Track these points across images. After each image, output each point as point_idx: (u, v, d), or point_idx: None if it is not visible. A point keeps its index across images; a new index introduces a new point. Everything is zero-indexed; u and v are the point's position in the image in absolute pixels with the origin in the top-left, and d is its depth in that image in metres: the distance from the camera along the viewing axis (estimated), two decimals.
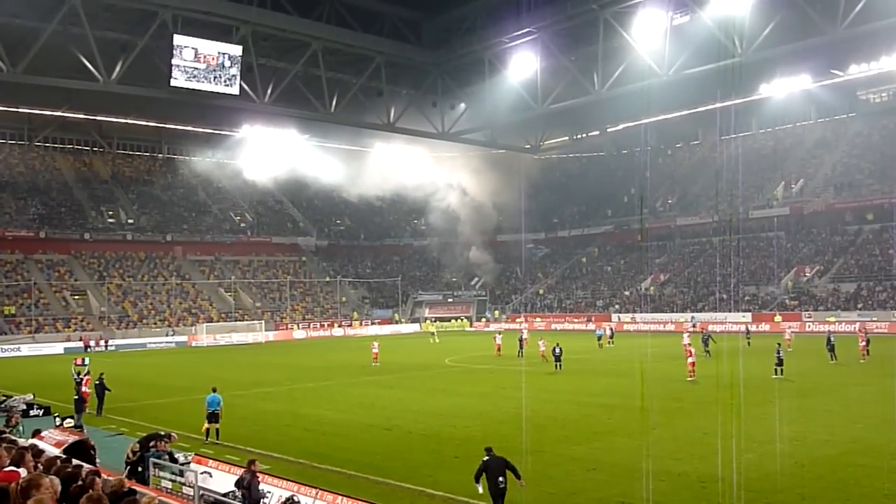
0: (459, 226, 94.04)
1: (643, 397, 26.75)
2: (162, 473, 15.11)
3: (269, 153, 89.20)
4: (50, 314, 70.76)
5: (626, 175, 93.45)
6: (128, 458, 15.66)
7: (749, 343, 46.99)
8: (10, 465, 8.05)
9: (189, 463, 15.97)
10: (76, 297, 74.76)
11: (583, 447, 19.22)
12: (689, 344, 38.47)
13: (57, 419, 22.76)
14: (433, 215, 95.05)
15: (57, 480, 6.90)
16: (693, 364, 31.90)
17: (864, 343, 37.58)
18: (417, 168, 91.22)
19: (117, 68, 54.30)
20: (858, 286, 64.46)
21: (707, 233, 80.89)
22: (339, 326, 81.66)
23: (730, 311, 66.48)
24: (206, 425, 21.57)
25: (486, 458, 13.36)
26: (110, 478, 10.42)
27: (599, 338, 52.22)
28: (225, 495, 13.75)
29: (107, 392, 27.40)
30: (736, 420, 20.72)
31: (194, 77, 55.82)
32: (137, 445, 15.88)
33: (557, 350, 37.38)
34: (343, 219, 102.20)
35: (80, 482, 8.01)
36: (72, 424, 21.66)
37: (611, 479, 16.11)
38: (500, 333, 53.17)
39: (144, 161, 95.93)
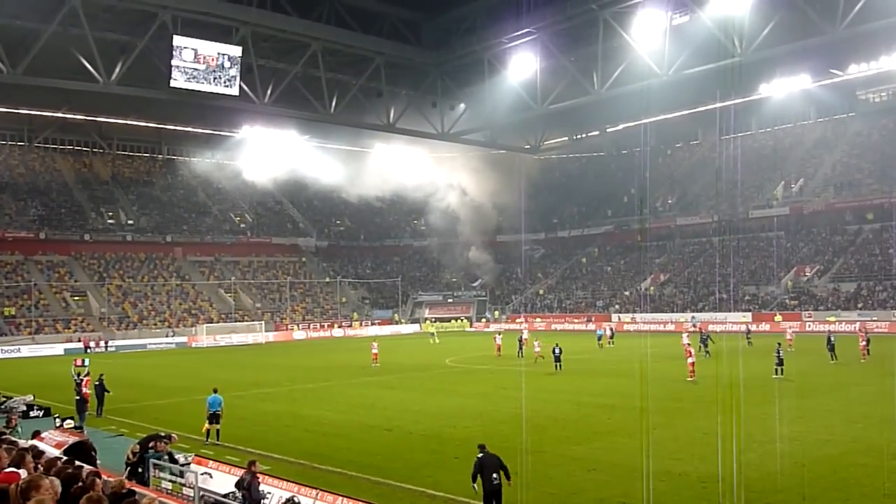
0: (459, 226, 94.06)
1: (643, 397, 26.73)
2: (162, 474, 15.11)
3: (268, 154, 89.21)
4: (50, 315, 70.77)
5: (625, 175, 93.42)
6: (128, 459, 15.66)
7: (750, 343, 47.02)
8: (10, 466, 8.05)
9: (189, 464, 15.98)
10: (76, 298, 74.77)
11: (583, 447, 19.23)
12: (689, 344, 38.54)
13: (57, 420, 22.76)
14: (433, 216, 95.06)
15: (57, 482, 6.90)
16: (693, 364, 31.91)
17: (864, 343, 37.57)
18: (417, 168, 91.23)
19: (117, 69, 54.28)
20: (858, 286, 64.46)
21: (707, 233, 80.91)
22: (339, 327, 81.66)
23: (730, 311, 66.50)
24: (207, 426, 21.58)
25: (480, 455, 13.34)
26: (110, 479, 10.42)
27: (599, 338, 52.23)
28: (225, 496, 13.75)
29: (106, 394, 27.38)
30: (736, 420, 20.72)
31: (194, 78, 55.81)
32: (138, 446, 15.89)
33: (557, 350, 37.38)
34: (343, 219, 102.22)
35: (80, 483, 8.01)
36: (72, 425, 21.65)
37: (611, 479, 16.11)
38: (500, 334, 53.17)
39: (144, 162, 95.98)
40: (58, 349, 62.97)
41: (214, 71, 56.48)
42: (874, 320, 57.32)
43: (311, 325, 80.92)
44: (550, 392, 29.74)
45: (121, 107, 74.74)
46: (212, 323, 74.94)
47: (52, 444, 15.44)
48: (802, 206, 75.60)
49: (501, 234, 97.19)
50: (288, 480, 14.09)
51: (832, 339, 37.83)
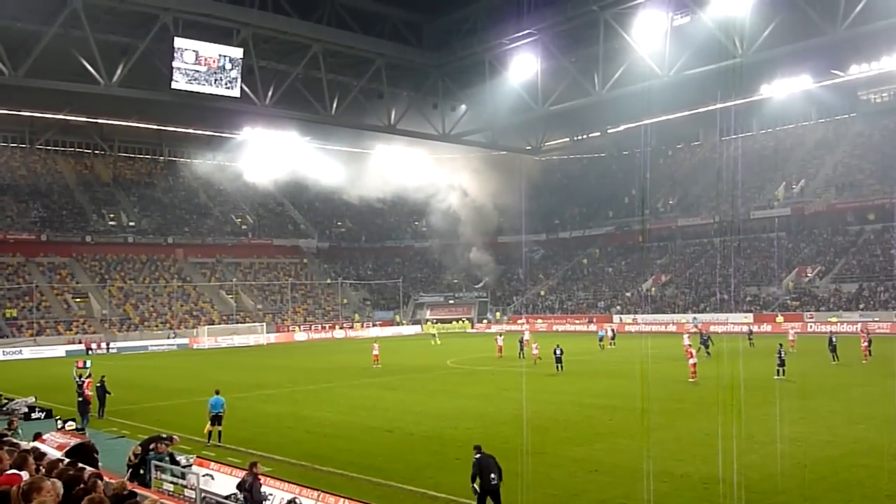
0: (460, 227, 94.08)
1: (645, 398, 26.71)
2: (163, 476, 15.13)
3: (269, 155, 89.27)
4: (51, 317, 70.80)
5: (626, 176, 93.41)
6: (129, 460, 15.67)
7: (752, 344, 46.99)
8: (11, 468, 8.04)
9: (191, 465, 15.99)
10: (77, 299, 74.82)
11: (585, 448, 19.21)
12: (690, 345, 38.55)
13: (59, 422, 22.79)
14: (434, 217, 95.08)
15: (59, 483, 6.89)
16: (695, 365, 31.88)
17: (866, 343, 37.53)
18: (418, 170, 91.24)
19: (118, 71, 54.35)
20: (860, 286, 64.40)
21: (708, 233, 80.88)
22: (341, 328, 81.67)
23: (731, 312, 66.47)
24: (209, 427, 21.57)
25: (477, 456, 13.41)
26: (112, 480, 10.43)
27: (601, 339, 52.21)
28: (227, 498, 13.76)
29: (108, 395, 27.38)
30: (738, 421, 20.70)
31: (195, 80, 55.87)
32: (139, 448, 15.90)
33: (558, 351, 37.36)
34: (344, 221, 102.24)
35: (82, 485, 8.01)
36: (74, 427, 21.67)
37: (613, 480, 16.10)
38: (501, 335, 53.16)
39: (146, 164, 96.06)
40: (59, 351, 62.98)
41: (215, 73, 56.55)
42: (876, 321, 57.25)
43: (313, 327, 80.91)
44: (552, 393, 29.73)
45: (122, 108, 74.80)
46: (213, 324, 74.95)
47: (53, 445, 15.44)
48: (804, 207, 75.56)
49: (502, 236, 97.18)
50: (289, 482, 14.09)
51: (834, 339, 37.78)
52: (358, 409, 27.58)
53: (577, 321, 77.28)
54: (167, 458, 15.65)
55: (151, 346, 68.04)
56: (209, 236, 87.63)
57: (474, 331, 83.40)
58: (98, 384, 27.22)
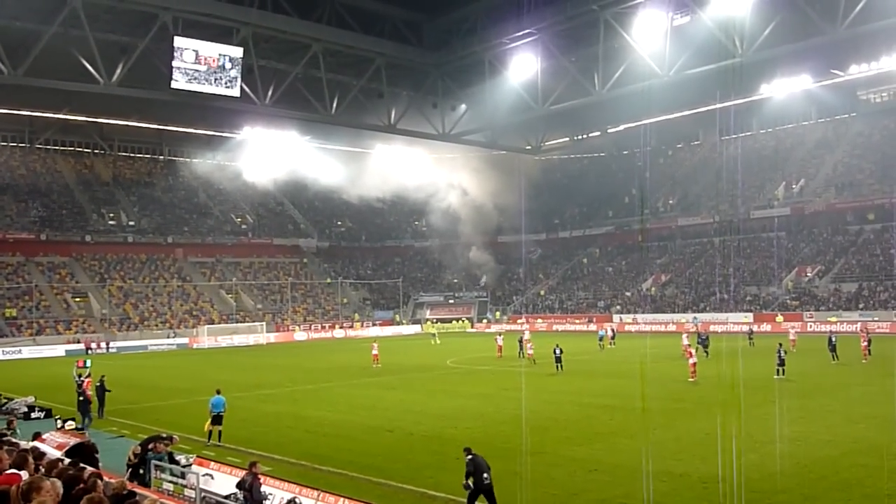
0: (460, 227, 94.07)
1: (645, 398, 26.73)
2: (163, 475, 15.12)
3: (269, 155, 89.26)
4: (51, 316, 70.80)
5: (626, 176, 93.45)
6: (129, 460, 15.67)
7: (752, 343, 47.02)
8: (11, 467, 8.04)
9: (190, 465, 15.99)
10: (77, 299, 74.82)
11: (584, 448, 19.21)
12: (689, 345, 38.59)
13: (58, 421, 22.78)
14: (434, 216, 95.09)
15: (58, 483, 6.89)
16: (694, 365, 31.88)
17: (865, 343, 37.54)
18: (418, 169, 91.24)
19: (118, 70, 54.31)
20: (860, 286, 64.41)
21: (708, 233, 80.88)
22: (341, 328, 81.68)
23: (731, 312, 66.48)
24: (210, 426, 21.54)
25: (469, 457, 13.58)
26: (112, 480, 10.42)
27: (601, 338, 52.20)
28: (226, 497, 13.76)
29: (107, 393, 27.36)
30: (738, 421, 20.70)
31: (195, 79, 55.83)
32: (139, 448, 15.90)
33: (558, 351, 37.35)
34: (344, 220, 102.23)
35: (81, 485, 8.01)
36: (73, 427, 21.66)
37: (613, 479, 16.10)
38: (500, 335, 53.15)
39: (145, 163, 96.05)
40: (59, 350, 62.98)
41: (215, 72, 56.52)
42: (875, 320, 57.29)
43: (313, 326, 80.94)
44: (552, 393, 29.73)
45: (122, 108, 74.75)
46: (213, 324, 74.95)
47: (53, 445, 15.44)
48: (803, 207, 75.57)
49: (502, 235, 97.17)
50: (289, 481, 14.09)
51: (833, 339, 37.79)
52: (358, 408, 27.58)
53: (577, 321, 77.29)
54: (166, 458, 15.65)
55: (151, 345, 68.05)
56: (209, 236, 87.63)
57: (474, 330, 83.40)
58: (98, 384, 27.20)
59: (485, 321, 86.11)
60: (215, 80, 56.66)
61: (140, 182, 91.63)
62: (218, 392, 22.32)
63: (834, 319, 59.98)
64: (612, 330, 56.20)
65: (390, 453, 19.48)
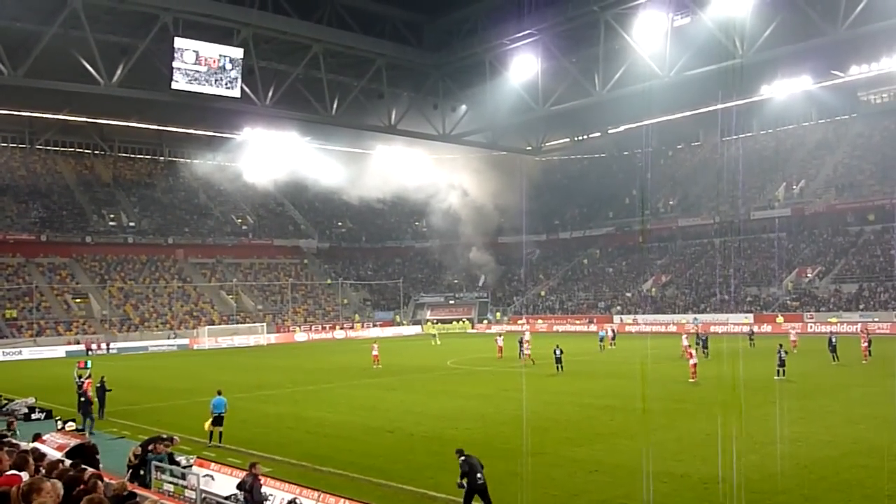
0: (460, 227, 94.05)
1: (645, 399, 26.72)
2: (164, 476, 15.13)
3: (270, 156, 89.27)
4: (51, 317, 70.80)
5: (627, 176, 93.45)
6: (130, 461, 15.67)
7: (752, 344, 47.03)
8: (11, 468, 8.04)
9: (191, 466, 15.99)
10: (78, 300, 74.82)
11: (585, 449, 19.21)
12: (688, 346, 38.58)
13: (58, 422, 22.78)
14: (434, 217, 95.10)
15: (59, 484, 6.89)
16: (695, 365, 31.87)
17: (865, 344, 37.52)
18: (418, 170, 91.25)
19: (118, 71, 54.33)
20: (860, 287, 64.40)
21: (708, 234, 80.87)
22: (341, 329, 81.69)
23: (731, 313, 66.47)
24: (210, 427, 21.53)
25: (462, 458, 13.67)
26: (112, 481, 10.42)
27: (601, 339, 52.18)
28: (227, 498, 13.76)
29: (108, 393, 27.32)
30: (738, 421, 20.70)
31: (195, 80, 55.85)
32: (139, 449, 15.90)
33: (558, 352, 37.33)
34: (344, 221, 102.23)
35: (82, 486, 8.01)
36: (73, 428, 21.66)
37: (613, 480, 16.10)
38: (500, 335, 53.12)
39: (146, 164, 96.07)
40: (59, 351, 62.98)
41: (216, 73, 56.54)
42: (876, 321, 57.27)
43: (313, 327, 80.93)
44: (552, 394, 29.72)
45: (122, 109, 74.77)
46: (213, 325, 74.95)
47: (53, 446, 15.44)
48: (804, 208, 75.56)
49: (503, 236, 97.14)
50: (290, 482, 14.10)
51: (834, 340, 37.76)
52: (358, 409, 27.58)
53: (578, 321, 77.29)
54: (166, 459, 15.65)
55: (151, 346, 68.05)
56: (209, 237, 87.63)
57: (474, 331, 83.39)
58: (98, 384, 27.19)
59: (485, 322, 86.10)
60: (216, 80, 56.69)
61: (140, 183, 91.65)
62: (219, 393, 22.33)
63: (834, 320, 59.97)
64: (613, 331, 56.21)
65: (391, 454, 19.48)
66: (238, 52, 57.28)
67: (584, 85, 60.39)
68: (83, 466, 10.45)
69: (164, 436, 17.32)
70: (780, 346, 32.18)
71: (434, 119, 72.97)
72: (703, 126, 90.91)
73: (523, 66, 62.32)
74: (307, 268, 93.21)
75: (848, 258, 69.34)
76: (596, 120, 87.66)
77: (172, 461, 15.83)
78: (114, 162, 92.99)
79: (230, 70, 57.24)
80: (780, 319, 62.88)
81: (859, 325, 52.50)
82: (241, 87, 58.51)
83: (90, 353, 60.80)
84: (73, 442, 15.59)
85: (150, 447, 15.75)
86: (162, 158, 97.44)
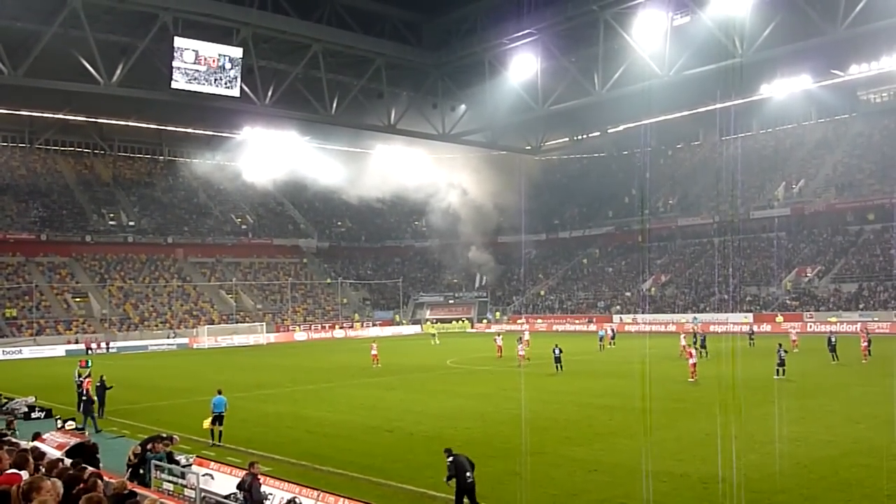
0: (460, 227, 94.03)
1: (645, 398, 26.72)
2: (163, 475, 15.13)
3: (269, 155, 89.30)
4: (51, 316, 70.79)
5: (626, 176, 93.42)
6: (129, 460, 15.67)
7: (752, 344, 47.04)
8: (11, 467, 8.05)
9: (191, 465, 15.99)
10: (77, 299, 74.82)
11: (584, 448, 19.21)
12: (686, 346, 38.58)
13: (58, 421, 22.78)
14: (434, 216, 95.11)
15: (59, 483, 6.90)
16: (695, 365, 31.87)
17: (865, 343, 37.52)
18: (418, 169, 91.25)
19: (118, 71, 54.36)
20: (860, 286, 64.40)
21: (708, 233, 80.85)
22: (341, 328, 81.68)
23: (731, 312, 66.45)
24: (210, 426, 21.51)
25: (450, 459, 13.73)
26: (112, 480, 10.43)
27: (601, 339, 52.17)
28: (226, 497, 13.76)
29: (108, 391, 27.28)
30: (738, 421, 20.71)
31: (195, 79, 55.87)
32: (139, 448, 15.90)
33: (558, 351, 37.32)
34: (344, 220, 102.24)
35: (82, 485, 8.02)
36: (73, 427, 21.65)
37: (612, 480, 16.10)
38: (500, 335, 53.10)
39: (145, 163, 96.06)
40: (59, 351, 62.98)
41: (215, 72, 56.55)
42: (875, 321, 57.27)
43: (313, 327, 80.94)
44: (551, 393, 29.73)
45: (122, 108, 74.83)
46: (213, 324, 74.94)
47: (53, 445, 15.44)
48: (803, 207, 75.54)
49: (502, 235, 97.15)
50: (289, 482, 14.09)
51: (833, 339, 37.77)
52: (358, 408, 27.58)
53: (577, 321, 77.29)
54: (165, 457, 15.66)
55: (151, 345, 68.04)
56: (209, 236, 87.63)
57: (474, 331, 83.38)
58: (98, 383, 27.17)
59: (485, 321, 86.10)
60: (215, 80, 56.71)
61: (140, 182, 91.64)
62: (219, 392, 22.33)
63: (834, 320, 59.98)
64: (612, 330, 56.20)
65: (390, 453, 19.49)
66: (237, 52, 57.30)
67: (584, 84, 60.42)
68: (83, 465, 10.46)
69: (164, 435, 17.32)
70: (780, 345, 32.18)
71: (433, 118, 72.99)
72: (703, 125, 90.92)
73: (523, 65, 62.34)
74: (307, 267, 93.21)
75: (847, 257, 69.34)
76: (595, 119, 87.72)
77: (172, 460, 15.82)
78: (113, 161, 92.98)
79: (230, 69, 57.27)
80: (779, 319, 62.89)
81: (859, 325, 52.53)
82: (241, 87, 58.55)
83: (90, 352, 60.84)
84: (73, 441, 15.59)
85: (149, 446, 15.75)
86: (161, 158, 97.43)
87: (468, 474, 13.43)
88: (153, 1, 52.52)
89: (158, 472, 15.20)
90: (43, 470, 8.71)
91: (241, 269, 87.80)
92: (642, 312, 74.14)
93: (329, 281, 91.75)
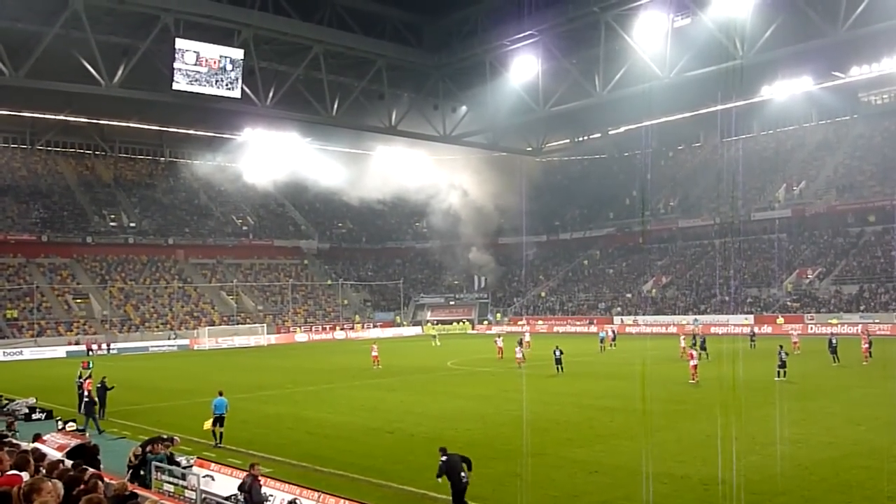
0: (461, 228, 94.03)
1: (645, 400, 26.72)
2: (164, 477, 15.13)
3: (270, 156, 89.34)
4: (52, 318, 70.81)
5: (627, 177, 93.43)
6: (130, 461, 15.67)
7: (754, 345, 47.03)
8: (12, 468, 8.05)
9: (191, 466, 16.00)
10: (78, 300, 74.83)
11: (585, 450, 19.20)
12: (685, 347, 38.55)
13: (59, 423, 22.78)
14: (434, 218, 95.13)
15: (59, 484, 6.90)
16: (695, 367, 31.85)
17: (866, 345, 37.49)
18: (418, 170, 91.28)
19: (119, 72, 54.38)
20: (860, 288, 64.36)
21: (709, 235, 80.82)
22: (341, 329, 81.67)
23: (732, 314, 66.43)
24: (211, 427, 21.49)
25: (443, 458, 13.84)
26: (113, 481, 10.43)
27: (602, 340, 52.15)
28: (227, 499, 13.76)
29: (109, 392, 27.26)
30: (738, 422, 20.69)
31: (196, 81, 55.90)
32: (140, 449, 15.90)
33: (558, 353, 37.29)
34: (345, 222, 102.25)
35: (82, 486, 8.01)
36: (73, 428, 21.66)
37: (613, 481, 16.09)
38: (500, 336, 53.07)
39: (146, 164, 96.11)
40: (60, 352, 63.00)
41: (216, 73, 56.58)
42: (876, 322, 57.22)
43: (313, 328, 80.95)
44: (552, 394, 29.72)
45: (123, 109, 74.84)
46: (213, 325, 74.95)
47: (53, 446, 15.44)
48: (804, 209, 75.52)
49: (503, 237, 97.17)
50: (290, 483, 14.10)
51: (834, 341, 37.72)
52: (358, 410, 27.58)
53: (578, 322, 77.27)
54: (165, 458, 15.66)
55: (152, 346, 68.05)
56: (210, 237, 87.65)
57: (475, 332, 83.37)
58: (98, 385, 27.17)
59: (485, 323, 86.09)
60: (216, 81, 56.73)
61: (141, 183, 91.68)
62: (220, 393, 22.34)
63: (835, 321, 59.92)
64: (613, 331, 56.19)
65: (391, 455, 19.48)
66: (238, 53, 57.32)
67: (585, 86, 60.42)
68: (84, 467, 10.46)
69: (165, 436, 17.33)
70: (781, 347, 32.17)
71: (434, 120, 73.00)
72: (704, 127, 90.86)
73: (524, 66, 62.33)
74: (307, 268, 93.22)
75: (848, 259, 69.31)
76: (596, 121, 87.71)
77: (172, 461, 15.83)
78: (114, 162, 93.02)
79: (231, 71, 57.29)
80: (780, 321, 62.85)
81: (860, 327, 52.52)
82: (242, 88, 58.56)
83: (91, 353, 60.77)
84: (74, 442, 15.59)
85: (150, 447, 15.75)
86: (162, 159, 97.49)
87: (463, 475, 13.50)
88: (154, 2, 52.55)
89: (159, 474, 15.20)
90: (43, 471, 8.71)
91: (241, 271, 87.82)
92: (643, 314, 74.17)
93: (330, 282, 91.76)
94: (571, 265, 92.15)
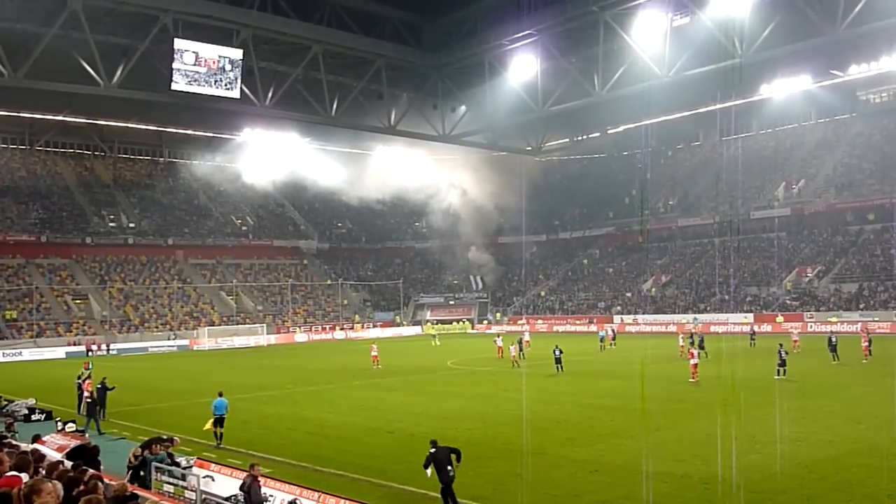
0: (460, 228, 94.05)
1: (645, 399, 26.71)
2: (164, 477, 15.12)
3: (269, 156, 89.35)
4: (51, 318, 70.79)
5: (627, 176, 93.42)
6: (130, 462, 15.67)
7: (754, 344, 47.04)
8: (12, 470, 8.04)
9: (191, 467, 15.99)
10: (78, 301, 74.81)
11: (585, 449, 19.20)
12: (683, 346, 38.55)
13: (59, 423, 22.75)
14: (434, 217, 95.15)
15: (59, 485, 6.89)
16: (696, 366, 31.84)
17: (866, 343, 37.51)
18: (418, 170, 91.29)
19: (118, 72, 54.38)
20: (860, 286, 64.38)
21: (708, 234, 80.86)
22: (341, 329, 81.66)
23: (731, 313, 66.46)
24: (212, 427, 21.49)
25: (432, 450, 14.06)
26: (112, 482, 10.42)
27: (602, 339, 52.16)
28: (227, 499, 13.76)
29: (109, 392, 27.20)
30: (738, 421, 20.70)
31: (195, 81, 55.91)
32: (139, 449, 15.89)
33: (558, 352, 37.28)
34: (344, 221, 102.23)
35: (82, 487, 8.01)
36: (73, 429, 21.63)
37: (613, 480, 16.09)
38: (500, 336, 53.05)
39: (145, 165, 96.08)
40: (59, 352, 62.98)
41: (215, 74, 56.59)
42: (876, 321, 57.25)
43: (313, 328, 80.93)
44: (552, 394, 29.71)
45: (122, 110, 74.86)
46: (213, 325, 74.93)
47: (53, 447, 15.43)
48: (804, 207, 75.54)
49: (503, 236, 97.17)
50: (290, 483, 14.10)
51: (834, 339, 37.73)
52: (358, 410, 27.57)
53: (578, 322, 77.28)
54: (166, 458, 15.65)
55: (151, 347, 68.04)
56: (209, 237, 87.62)
57: (474, 332, 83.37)
58: (98, 385, 27.14)
59: (485, 322, 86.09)
60: (215, 81, 56.75)
61: (140, 184, 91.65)
62: (220, 394, 22.33)
63: (834, 320, 59.96)
64: (613, 331, 56.20)
65: (391, 455, 19.47)
66: (237, 53, 57.33)
67: (584, 85, 60.45)
68: (83, 467, 10.45)
69: (165, 437, 17.32)
70: (781, 345, 32.17)
71: (434, 119, 73.01)
72: (703, 126, 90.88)
73: (523, 66, 62.35)
74: (307, 268, 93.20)
75: (848, 257, 69.33)
76: (595, 120, 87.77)
77: (172, 462, 15.82)
78: (114, 163, 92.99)
79: (230, 71, 57.31)
80: (780, 319, 62.88)
81: (859, 325, 52.56)
82: (241, 88, 58.59)
83: (90, 353, 60.78)
84: (74, 443, 15.58)
85: (150, 448, 15.74)
86: (162, 159, 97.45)
87: (449, 468, 13.72)
88: (153, 2, 52.57)
89: (159, 474, 15.20)
90: (43, 472, 8.71)
91: (241, 271, 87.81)
92: (643, 313, 74.19)
93: (329, 282, 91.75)
94: (571, 264, 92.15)
